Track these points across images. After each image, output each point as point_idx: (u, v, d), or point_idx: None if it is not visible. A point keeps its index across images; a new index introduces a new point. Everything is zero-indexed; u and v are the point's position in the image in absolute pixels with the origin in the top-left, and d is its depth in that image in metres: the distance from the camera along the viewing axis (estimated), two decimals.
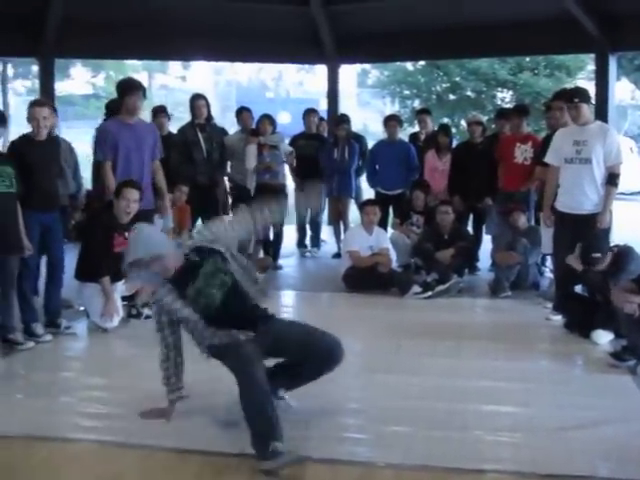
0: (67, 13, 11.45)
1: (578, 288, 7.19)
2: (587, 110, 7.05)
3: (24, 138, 6.63)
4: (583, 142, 6.98)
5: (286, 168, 10.27)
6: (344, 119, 11.09)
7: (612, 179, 7.03)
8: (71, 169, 7.68)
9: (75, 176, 7.82)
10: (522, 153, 8.84)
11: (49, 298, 6.75)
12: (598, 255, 6.45)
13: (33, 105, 6.65)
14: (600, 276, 6.45)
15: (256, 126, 9.94)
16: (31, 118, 6.52)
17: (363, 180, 10.94)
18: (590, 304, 6.68)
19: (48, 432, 4.49)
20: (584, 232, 6.79)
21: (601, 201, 7.00)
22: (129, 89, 7.45)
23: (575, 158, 7.02)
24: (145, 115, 8.78)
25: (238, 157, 9.79)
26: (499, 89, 24.53)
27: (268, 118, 9.88)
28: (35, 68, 19.61)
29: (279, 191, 9.72)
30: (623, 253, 6.53)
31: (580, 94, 7.15)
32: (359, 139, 11.24)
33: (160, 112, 9.74)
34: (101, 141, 7.43)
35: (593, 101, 7.78)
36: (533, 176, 8.63)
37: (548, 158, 7.41)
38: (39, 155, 6.50)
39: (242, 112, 10.49)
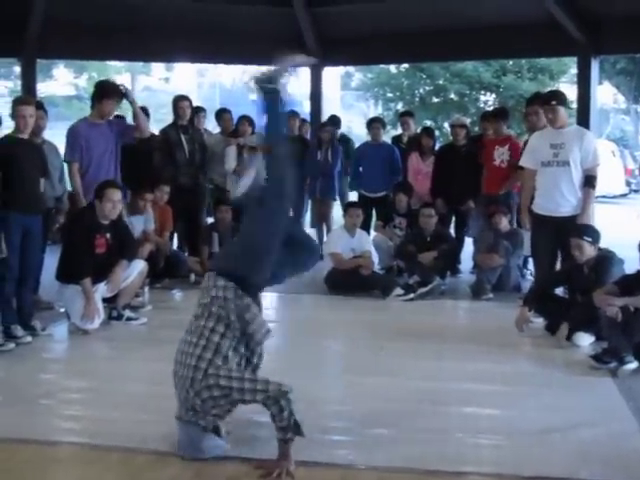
0: (50, 14, 11.39)
1: (559, 291, 7.21)
2: (564, 113, 7.10)
3: (7, 138, 6.58)
4: (560, 145, 7.03)
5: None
6: (335, 121, 11.13)
7: (590, 181, 7.08)
8: (57, 171, 7.64)
9: (60, 179, 7.79)
10: (499, 156, 8.89)
11: (22, 301, 6.62)
12: (589, 239, 6.47)
13: (19, 103, 6.60)
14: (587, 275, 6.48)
15: (235, 128, 9.94)
16: (17, 115, 6.45)
17: None
18: (569, 306, 6.68)
19: (29, 434, 4.45)
20: (564, 234, 6.84)
21: (580, 203, 7.05)
22: (110, 93, 7.49)
23: (552, 161, 7.06)
24: (128, 118, 8.78)
25: (218, 159, 9.77)
26: (482, 92, 24.60)
27: (247, 119, 9.88)
28: (17, 69, 19.52)
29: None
30: (605, 258, 6.55)
31: (557, 97, 7.19)
32: (346, 141, 11.26)
33: None
34: (71, 142, 7.47)
35: (574, 105, 7.83)
36: (512, 178, 8.68)
37: (523, 161, 7.48)
38: (22, 155, 6.44)
39: (222, 114, 10.49)
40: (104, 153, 7.50)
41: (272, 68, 4.69)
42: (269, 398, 3.89)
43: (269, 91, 4.61)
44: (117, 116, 8.84)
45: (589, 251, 6.48)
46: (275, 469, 3.91)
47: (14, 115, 6.48)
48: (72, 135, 7.52)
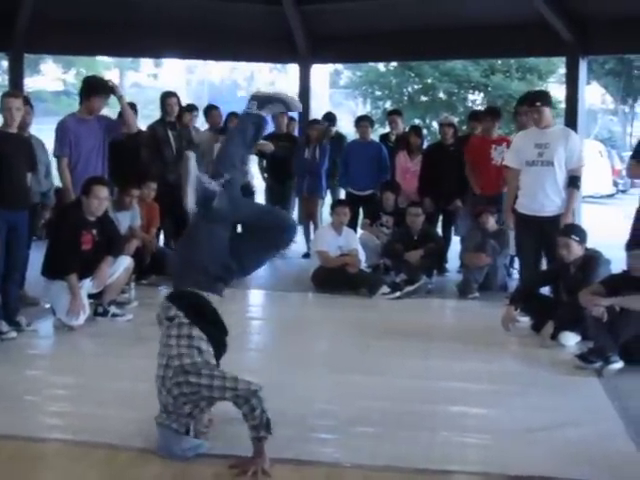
0: (38, 9, 11.35)
1: (545, 290, 7.22)
2: (549, 113, 7.12)
3: None
4: (545, 145, 7.05)
5: (255, 168, 10.27)
6: (330, 117, 11.14)
7: (574, 181, 7.11)
8: (43, 167, 7.61)
9: (47, 174, 7.75)
10: (500, 154, 8.84)
11: (7, 296, 6.57)
12: (577, 238, 6.48)
13: (6, 96, 6.57)
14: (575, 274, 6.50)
15: (224, 124, 9.91)
16: (4, 108, 6.42)
17: None
18: (555, 305, 6.68)
19: (13, 431, 4.42)
20: (549, 235, 6.87)
21: (564, 203, 7.08)
22: (99, 90, 7.48)
23: (537, 161, 7.09)
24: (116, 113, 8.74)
25: (207, 156, 9.74)
26: (471, 91, 24.64)
27: (236, 116, 9.83)
28: (5, 63, 19.43)
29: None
30: (592, 257, 6.56)
31: (542, 97, 7.23)
32: (341, 138, 11.25)
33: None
34: (60, 136, 7.44)
35: (563, 105, 7.86)
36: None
37: (508, 161, 7.50)
38: (10, 149, 6.41)
39: (210, 110, 10.46)
40: (92, 149, 7.49)
41: (274, 93, 4.86)
42: (239, 397, 3.88)
43: (253, 113, 4.75)
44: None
45: (577, 250, 6.49)
46: (250, 467, 3.90)
47: (1, 109, 6.46)
48: (61, 130, 7.49)
